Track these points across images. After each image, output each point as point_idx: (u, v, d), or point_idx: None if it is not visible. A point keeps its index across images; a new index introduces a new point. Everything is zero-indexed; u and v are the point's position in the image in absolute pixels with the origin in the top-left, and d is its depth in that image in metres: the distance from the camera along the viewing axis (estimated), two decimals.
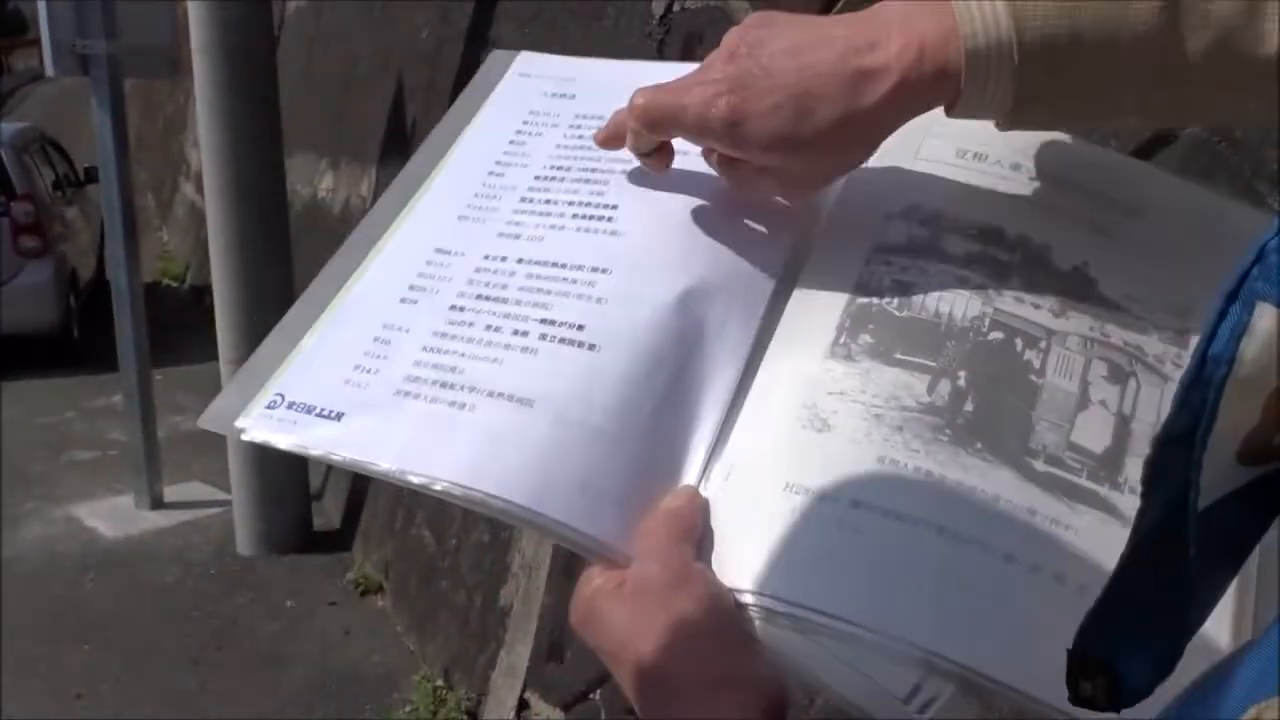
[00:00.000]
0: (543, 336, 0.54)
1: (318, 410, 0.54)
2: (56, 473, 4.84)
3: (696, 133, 0.52)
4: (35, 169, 6.83)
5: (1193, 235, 0.57)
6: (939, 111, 0.59)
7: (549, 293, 0.56)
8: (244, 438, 0.55)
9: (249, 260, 3.74)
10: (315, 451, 0.54)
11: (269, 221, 3.84)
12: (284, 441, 0.54)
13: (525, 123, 0.67)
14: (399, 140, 4.22)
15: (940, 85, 0.49)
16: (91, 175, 6.97)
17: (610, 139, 0.58)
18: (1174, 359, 0.52)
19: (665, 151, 0.56)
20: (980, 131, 0.58)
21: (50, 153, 7.58)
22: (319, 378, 0.56)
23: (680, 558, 0.47)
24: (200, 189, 6.50)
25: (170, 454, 4.50)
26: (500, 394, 0.52)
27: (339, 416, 0.54)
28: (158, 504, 4.40)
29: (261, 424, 0.55)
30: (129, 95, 4.12)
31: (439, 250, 0.61)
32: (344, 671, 3.24)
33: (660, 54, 2.41)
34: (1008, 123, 0.51)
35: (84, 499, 4.53)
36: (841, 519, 0.47)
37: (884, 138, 0.52)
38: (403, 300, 0.59)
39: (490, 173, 0.64)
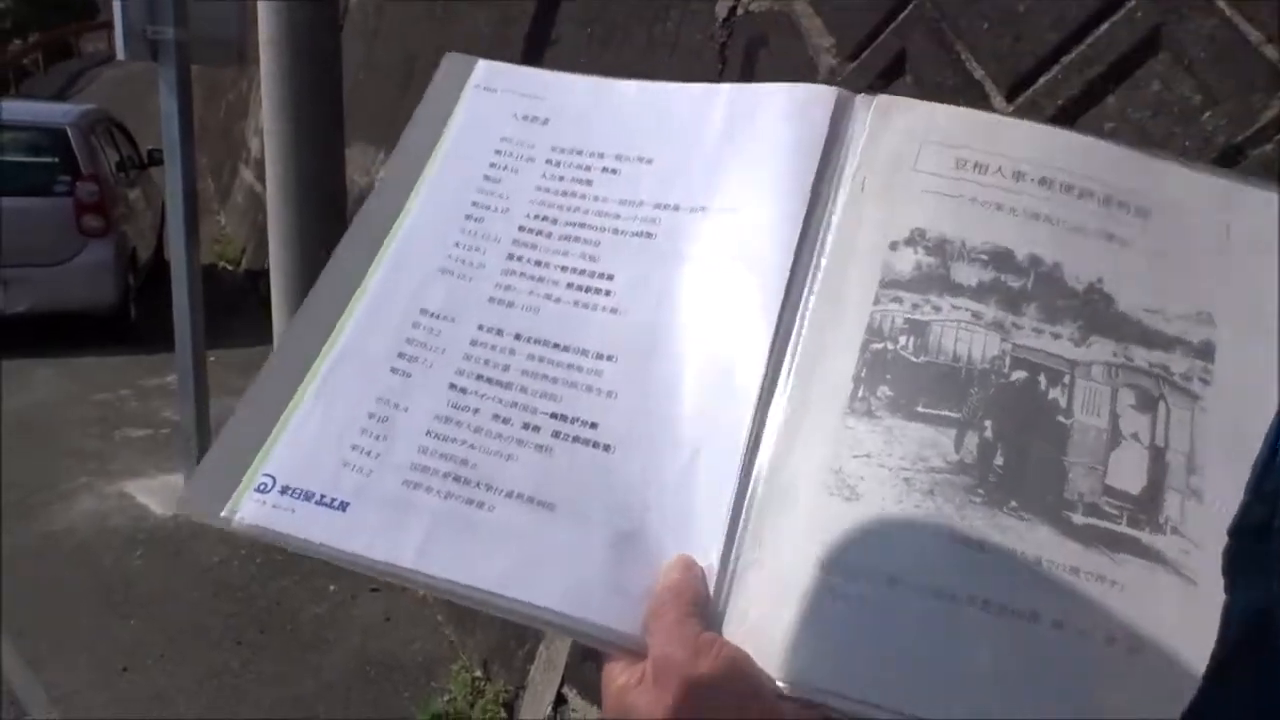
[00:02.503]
0: (556, 434, 0.52)
1: (318, 498, 0.51)
2: (110, 449, 4.94)
3: None
4: (101, 150, 6.97)
5: (1204, 231, 0.54)
6: (934, 116, 0.57)
7: (555, 381, 0.54)
8: (233, 527, 0.51)
9: (307, 247, 3.79)
10: (320, 545, 0.50)
11: (327, 210, 3.89)
12: (283, 531, 0.50)
13: (498, 153, 0.64)
14: None
15: None
16: (154, 158, 7.09)
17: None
18: (1200, 374, 0.50)
19: None
20: (979, 135, 0.56)
21: (115, 134, 7.73)
22: (313, 456, 0.52)
23: (692, 631, 0.46)
24: (259, 175, 6.61)
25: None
26: (519, 495, 0.50)
27: (343, 506, 0.51)
28: None
29: (253, 511, 0.51)
30: (193, 81, 4.18)
31: (425, 312, 0.57)
32: (384, 658, 3.27)
33: (722, 57, 2.41)
34: None
35: (135, 476, 4.62)
36: (880, 599, 0.45)
37: None
38: (394, 370, 0.55)
39: (468, 216, 0.61)
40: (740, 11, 2.37)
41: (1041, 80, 1.49)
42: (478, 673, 3.08)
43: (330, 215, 3.92)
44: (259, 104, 4.30)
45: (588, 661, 2.53)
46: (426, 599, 3.62)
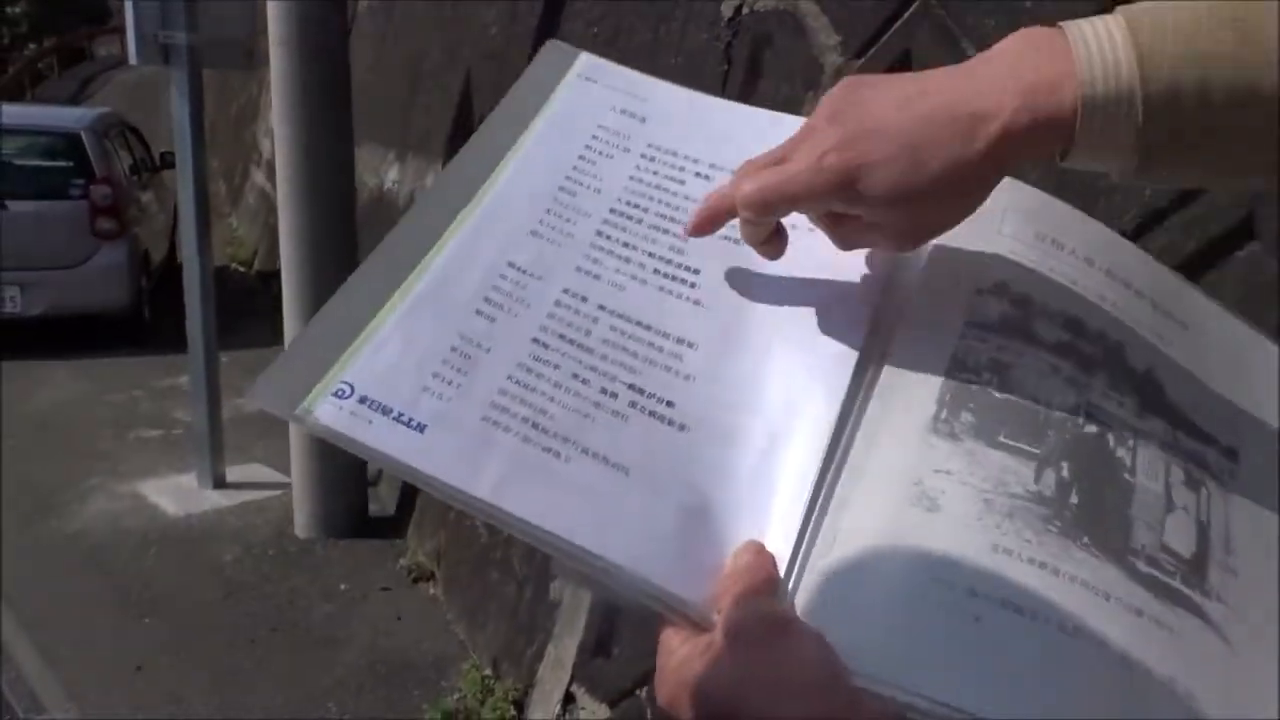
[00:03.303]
0: (633, 405, 0.53)
1: (396, 414, 0.52)
2: (123, 450, 4.98)
3: (808, 198, 0.50)
4: (114, 153, 7.02)
5: (1229, 357, 0.58)
6: (1019, 190, 0.59)
7: (635, 355, 0.55)
8: (308, 425, 0.51)
9: (317, 248, 3.82)
10: (397, 459, 0.50)
11: (338, 211, 3.92)
12: (360, 439, 0.51)
13: (595, 137, 0.66)
14: (465, 135, 4.23)
15: (1052, 133, 0.47)
16: (167, 160, 7.14)
17: (706, 223, 0.56)
18: (1229, 473, 0.53)
19: (780, 238, 0.55)
20: (1056, 218, 0.60)
21: (128, 138, 7.79)
22: (394, 376, 0.53)
23: (767, 606, 0.46)
24: (270, 177, 6.64)
25: (233, 435, 4.60)
26: (595, 454, 0.51)
27: (421, 428, 0.51)
28: (220, 484, 4.51)
29: (330, 413, 0.51)
30: (204, 84, 4.21)
31: (513, 265, 0.59)
32: (394, 656, 3.29)
33: (727, 56, 2.42)
34: (1129, 174, 0.49)
35: (149, 476, 4.65)
36: (960, 606, 0.46)
37: (996, 184, 0.51)
38: (479, 312, 0.56)
39: (561, 188, 0.63)
40: (745, 11, 2.38)
41: None
42: (487, 671, 3.10)
43: (341, 216, 3.94)
44: (269, 106, 4.33)
45: (596, 659, 2.55)
46: (436, 598, 3.64)
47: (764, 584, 0.47)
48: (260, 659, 3.28)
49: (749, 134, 0.63)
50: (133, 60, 3.91)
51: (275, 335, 4.25)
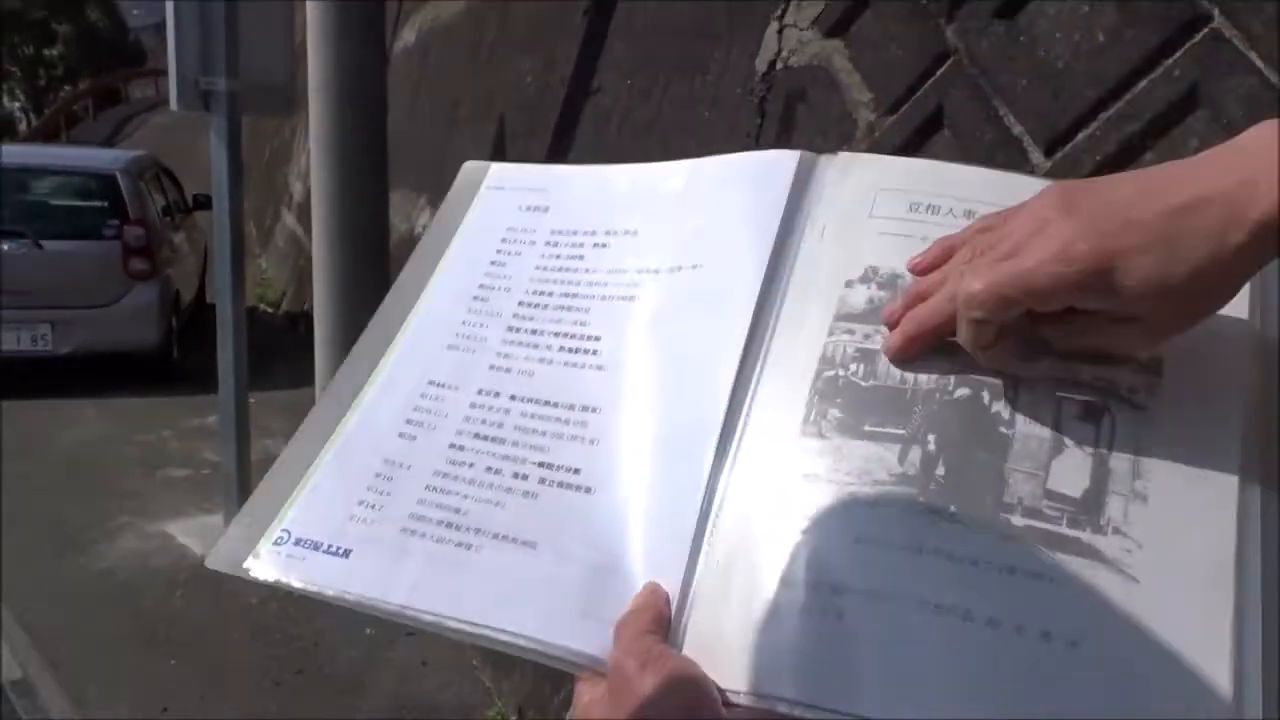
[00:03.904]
0: (542, 480, 0.57)
1: (325, 547, 0.57)
2: (151, 489, 5.00)
3: (1055, 290, 0.47)
4: (148, 195, 7.12)
5: None
6: (890, 166, 0.61)
7: (544, 434, 0.59)
8: (251, 576, 0.57)
9: (349, 292, 3.86)
10: (325, 590, 0.55)
11: (371, 255, 3.96)
12: (294, 580, 0.56)
13: (504, 241, 0.70)
14: None
15: None
16: (200, 202, 7.25)
17: (911, 345, 0.53)
18: (1147, 388, 0.51)
19: (1006, 339, 0.51)
20: (930, 180, 0.60)
21: (163, 179, 7.90)
22: (324, 513, 0.59)
23: (646, 644, 0.48)
24: (301, 219, 6.72)
25: (262, 476, 4.60)
26: (504, 536, 0.55)
27: (346, 553, 0.56)
28: None
29: (270, 561, 0.57)
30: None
31: (432, 383, 0.63)
32: (420, 702, 3.27)
33: (761, 110, 2.45)
34: None
35: (176, 516, 4.67)
36: (825, 605, 0.47)
37: (1252, 276, 0.48)
38: (401, 435, 0.61)
39: (475, 298, 0.67)
40: (780, 66, 2.41)
41: (1080, 136, 1.51)
42: (513, 717, 3.08)
43: (374, 261, 3.99)
44: (303, 149, 4.39)
45: None
46: (462, 644, 3.62)
47: (651, 623, 0.49)
48: (285, 702, 3.27)
49: (640, 191, 0.68)
50: (173, 105, 3.97)
51: (304, 376, 4.28)
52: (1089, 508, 0.47)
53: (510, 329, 0.64)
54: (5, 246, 6.18)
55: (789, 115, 2.34)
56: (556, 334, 0.63)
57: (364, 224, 3.93)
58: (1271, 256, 0.46)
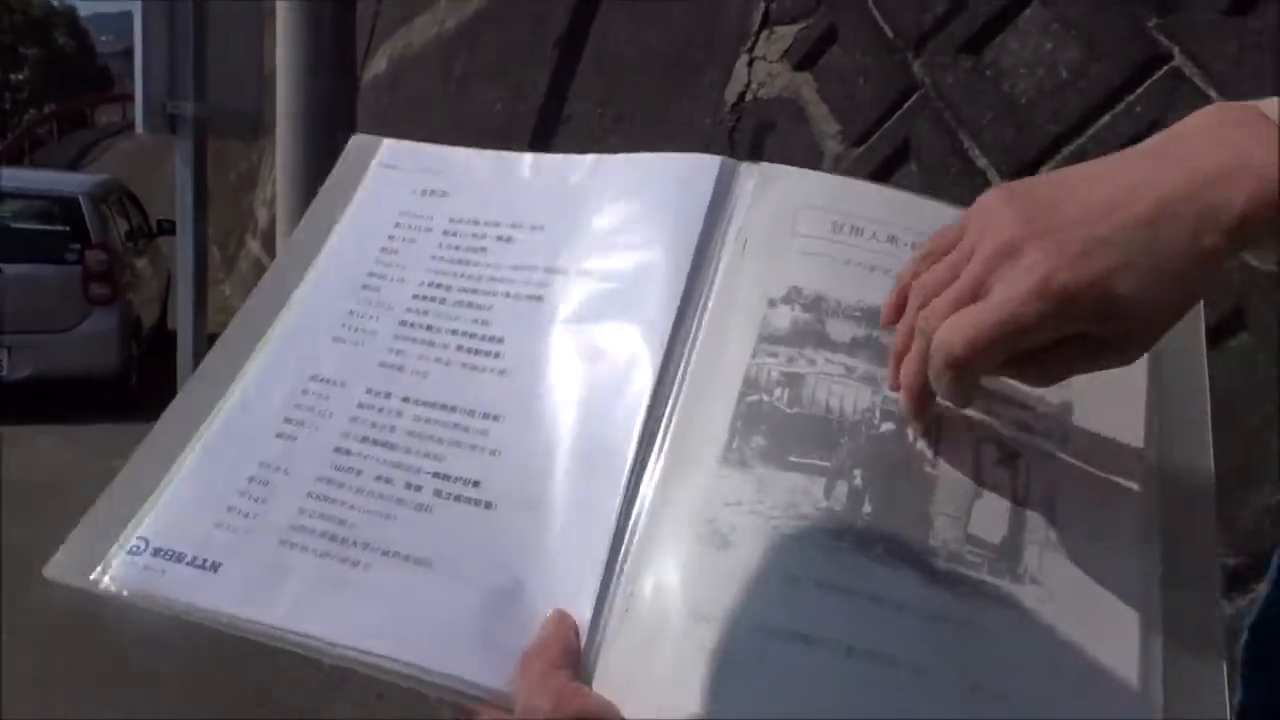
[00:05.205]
0: (437, 493, 0.52)
1: (189, 559, 0.50)
2: None
3: (1042, 327, 0.44)
4: (112, 219, 7.05)
5: None
6: (813, 182, 0.59)
7: (440, 441, 0.53)
8: (100, 590, 0.50)
9: None
10: (190, 605, 0.49)
11: None
12: (152, 592, 0.49)
13: (397, 226, 0.64)
14: None
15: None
16: (164, 228, 7.18)
17: (919, 412, 0.50)
18: (1060, 434, 0.50)
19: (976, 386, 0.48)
20: (852, 200, 0.58)
21: (127, 204, 7.82)
22: (187, 521, 0.52)
23: (558, 682, 0.45)
24: (266, 246, 6.67)
25: None
26: (396, 553, 0.50)
27: (215, 567, 0.50)
28: None
29: (123, 573, 0.50)
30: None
31: (315, 378, 0.57)
32: None
33: (731, 141, 2.47)
34: None
35: None
36: (746, 645, 0.45)
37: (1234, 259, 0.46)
38: (279, 435, 0.55)
39: (364, 286, 0.61)
40: (749, 97, 2.44)
41: (1043, 169, 1.53)
42: None
43: None
44: (269, 176, 4.37)
45: None
46: None
47: (560, 657, 0.46)
48: None
49: (549, 184, 0.63)
50: (139, 128, 3.95)
51: None
52: (1007, 556, 0.47)
53: (403, 324, 0.59)
54: None
55: (758, 146, 2.36)
56: (454, 332, 0.58)
57: None
58: (1249, 245, 0.45)
